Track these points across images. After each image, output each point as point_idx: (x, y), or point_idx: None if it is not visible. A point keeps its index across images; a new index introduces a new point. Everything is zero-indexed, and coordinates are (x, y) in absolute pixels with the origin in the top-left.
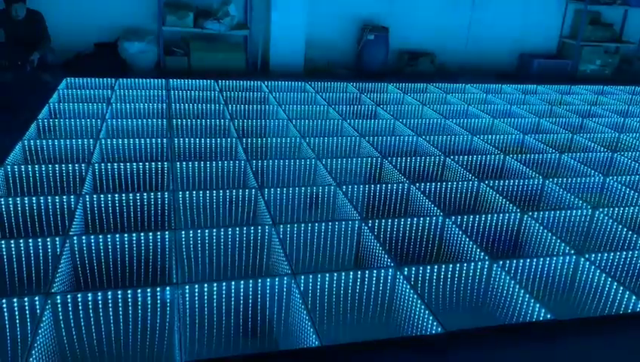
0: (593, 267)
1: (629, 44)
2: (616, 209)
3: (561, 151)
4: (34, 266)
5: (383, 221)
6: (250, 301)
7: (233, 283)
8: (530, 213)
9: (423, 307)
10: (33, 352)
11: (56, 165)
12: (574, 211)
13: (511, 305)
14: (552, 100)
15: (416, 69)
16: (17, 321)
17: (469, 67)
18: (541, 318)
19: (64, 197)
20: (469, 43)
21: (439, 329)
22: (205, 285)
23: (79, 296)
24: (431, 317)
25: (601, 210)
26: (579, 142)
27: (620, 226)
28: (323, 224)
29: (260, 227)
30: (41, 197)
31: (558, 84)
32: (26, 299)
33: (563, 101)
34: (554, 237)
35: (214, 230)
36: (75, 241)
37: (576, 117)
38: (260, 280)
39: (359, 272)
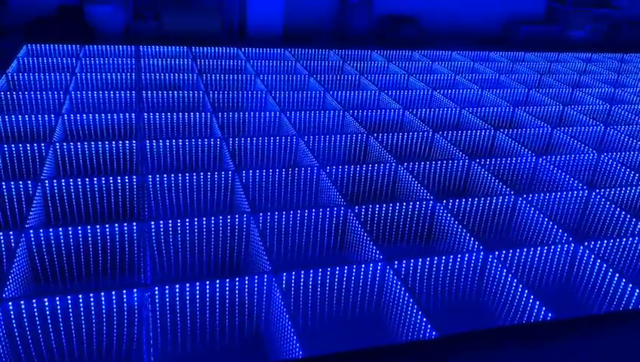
0: (593, 255)
1: (617, 9)
2: (613, 190)
3: (553, 126)
4: None
5: (370, 207)
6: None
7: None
8: (525, 196)
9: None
10: None
11: (13, 145)
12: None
13: (507, 300)
14: (540, 69)
15: (400, 35)
16: None
17: (455, 32)
18: (541, 315)
19: (20, 182)
20: (455, 7)
21: (433, 332)
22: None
23: (34, 302)
24: (425, 319)
25: (597, 190)
26: (570, 115)
27: (619, 209)
28: (306, 211)
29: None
30: None
31: (546, 50)
32: None
33: (551, 70)
34: (550, 222)
35: (187, 220)
36: (32, 235)
37: (566, 87)
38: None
39: (346, 267)
